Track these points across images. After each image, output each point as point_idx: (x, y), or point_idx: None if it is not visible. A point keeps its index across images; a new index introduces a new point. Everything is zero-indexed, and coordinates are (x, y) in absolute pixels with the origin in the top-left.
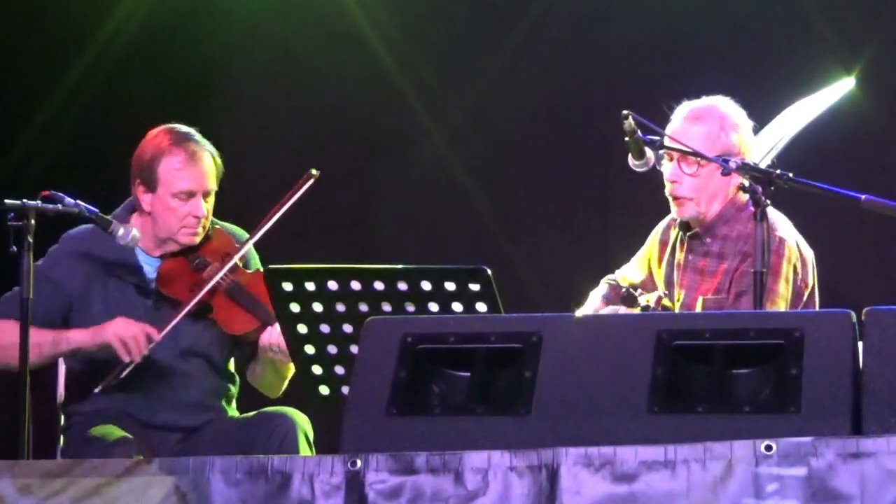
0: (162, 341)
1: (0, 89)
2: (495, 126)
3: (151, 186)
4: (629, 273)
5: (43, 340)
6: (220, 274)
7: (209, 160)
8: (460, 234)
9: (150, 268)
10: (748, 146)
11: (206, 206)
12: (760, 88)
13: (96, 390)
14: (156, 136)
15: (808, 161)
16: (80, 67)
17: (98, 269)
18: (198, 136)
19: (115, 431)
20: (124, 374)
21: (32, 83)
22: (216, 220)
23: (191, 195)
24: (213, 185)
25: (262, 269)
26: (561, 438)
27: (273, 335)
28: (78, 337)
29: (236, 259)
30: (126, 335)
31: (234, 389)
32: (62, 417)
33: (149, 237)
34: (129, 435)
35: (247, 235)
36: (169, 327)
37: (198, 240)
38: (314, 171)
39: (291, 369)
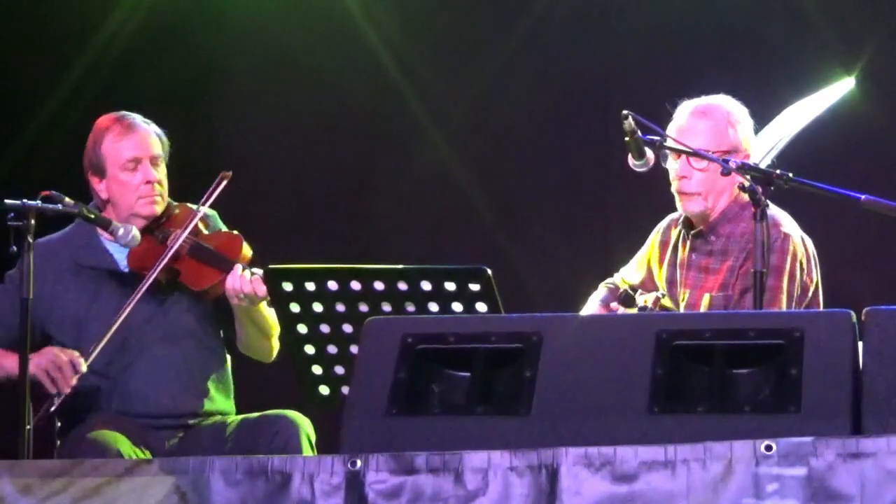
0: (94, 358)
1: (0, 89)
2: (495, 126)
3: (101, 171)
4: (629, 275)
5: None
6: (181, 238)
7: (146, 128)
8: (460, 234)
9: (121, 255)
10: (751, 143)
11: (157, 172)
12: (760, 88)
13: (28, 426)
14: (95, 125)
15: (808, 161)
16: (79, 67)
17: (71, 270)
18: (136, 115)
19: (111, 439)
20: (53, 407)
21: (32, 83)
22: (176, 202)
23: (137, 162)
24: (157, 151)
25: (225, 230)
26: (561, 438)
27: (234, 280)
28: (9, 365)
29: (196, 221)
30: (50, 368)
31: (228, 380)
32: (57, 420)
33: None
34: (122, 450)
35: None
36: (99, 347)
37: (158, 209)
38: (226, 173)
39: (275, 326)
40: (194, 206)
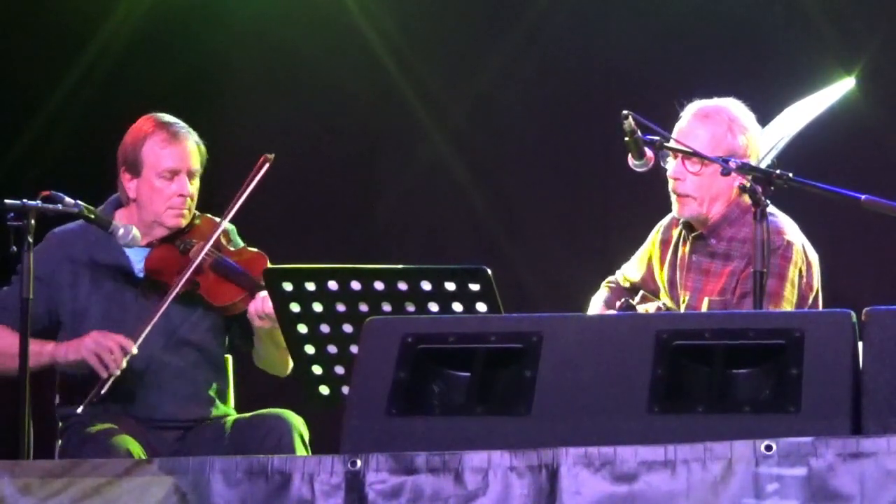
0: (140, 343)
1: (0, 89)
2: (495, 126)
3: (136, 171)
4: (629, 271)
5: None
6: (205, 250)
7: (192, 141)
8: (460, 234)
9: (137, 258)
10: (756, 150)
11: (191, 187)
12: (760, 88)
13: (79, 410)
14: (138, 123)
15: (808, 161)
16: (80, 67)
17: (86, 264)
18: (180, 122)
19: (115, 438)
20: (104, 389)
21: (32, 83)
22: (200, 213)
23: (175, 173)
24: (196, 166)
25: (247, 247)
26: (561, 438)
27: (259, 302)
28: (54, 351)
29: (218, 233)
30: (100, 350)
31: (228, 386)
32: (58, 421)
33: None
34: (130, 450)
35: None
36: (146, 331)
37: (184, 222)
38: (269, 155)
39: None
40: (217, 219)
